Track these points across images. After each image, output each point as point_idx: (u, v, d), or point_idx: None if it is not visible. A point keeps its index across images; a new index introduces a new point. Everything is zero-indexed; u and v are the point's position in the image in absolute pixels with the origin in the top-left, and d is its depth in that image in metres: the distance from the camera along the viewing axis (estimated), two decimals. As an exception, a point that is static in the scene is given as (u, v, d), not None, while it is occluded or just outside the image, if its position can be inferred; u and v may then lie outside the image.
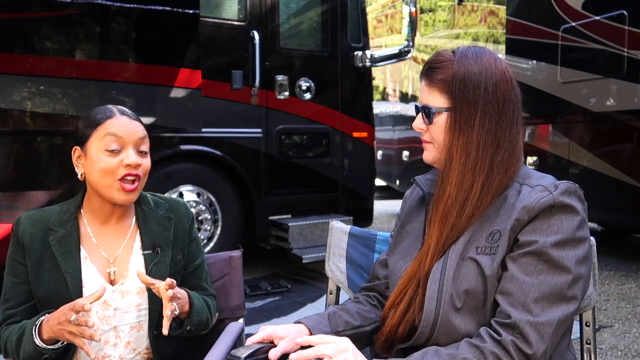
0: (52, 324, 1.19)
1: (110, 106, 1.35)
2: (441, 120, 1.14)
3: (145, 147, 1.35)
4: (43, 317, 1.23)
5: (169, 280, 1.22)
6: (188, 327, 1.34)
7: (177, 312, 1.25)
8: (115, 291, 1.34)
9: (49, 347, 1.21)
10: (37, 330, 1.22)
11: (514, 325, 0.99)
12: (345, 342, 1.05)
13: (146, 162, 1.34)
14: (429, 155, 1.19)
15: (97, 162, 1.29)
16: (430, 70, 1.15)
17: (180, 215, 1.45)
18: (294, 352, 1.07)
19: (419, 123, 1.18)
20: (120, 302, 1.34)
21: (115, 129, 1.29)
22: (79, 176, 1.33)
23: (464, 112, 1.10)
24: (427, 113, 1.15)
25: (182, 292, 1.31)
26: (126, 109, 1.36)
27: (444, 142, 1.14)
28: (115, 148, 1.29)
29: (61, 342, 1.22)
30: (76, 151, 1.33)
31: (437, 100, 1.14)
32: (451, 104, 1.12)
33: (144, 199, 1.43)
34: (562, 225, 1.03)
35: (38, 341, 1.21)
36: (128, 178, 1.30)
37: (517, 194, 1.09)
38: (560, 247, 1.02)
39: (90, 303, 1.16)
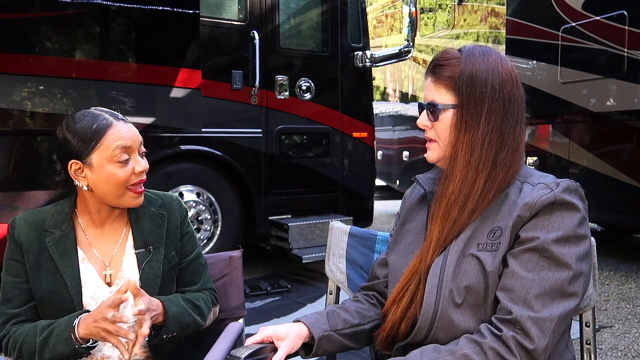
0: (89, 322, 1.20)
1: (95, 111, 1.32)
2: (447, 117, 1.14)
3: (143, 147, 1.36)
4: (80, 317, 1.23)
5: (131, 283, 1.21)
6: (165, 336, 1.31)
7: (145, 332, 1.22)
8: (112, 292, 1.33)
9: (84, 345, 1.22)
10: (76, 330, 1.22)
11: (515, 321, 0.99)
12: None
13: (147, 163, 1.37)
14: (434, 154, 1.18)
15: (109, 175, 1.28)
16: (437, 68, 1.15)
17: (173, 210, 1.45)
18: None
19: (423, 120, 1.18)
20: None
21: (122, 140, 1.29)
22: (84, 189, 1.32)
23: (471, 110, 1.11)
24: (433, 110, 1.15)
25: (155, 303, 1.29)
26: (114, 112, 1.35)
27: (449, 139, 1.14)
28: (125, 158, 1.30)
29: (94, 340, 1.23)
30: (73, 165, 1.30)
31: (443, 97, 1.14)
32: (458, 101, 1.12)
33: None
34: (563, 222, 1.03)
35: (77, 341, 1.21)
36: (138, 188, 1.33)
37: (519, 191, 1.09)
38: (561, 243, 1.02)
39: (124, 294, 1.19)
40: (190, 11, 3.75)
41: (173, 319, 1.32)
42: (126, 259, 1.37)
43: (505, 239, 1.05)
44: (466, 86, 1.11)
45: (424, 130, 1.20)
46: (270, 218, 4.40)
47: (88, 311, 1.26)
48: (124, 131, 1.30)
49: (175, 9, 3.69)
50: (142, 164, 1.33)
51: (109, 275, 1.36)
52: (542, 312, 0.99)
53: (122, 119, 1.34)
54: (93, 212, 1.36)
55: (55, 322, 1.26)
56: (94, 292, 1.33)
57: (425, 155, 1.21)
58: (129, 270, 1.37)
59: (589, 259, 1.07)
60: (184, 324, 1.35)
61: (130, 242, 1.39)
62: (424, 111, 1.18)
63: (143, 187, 1.36)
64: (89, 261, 1.35)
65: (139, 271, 1.36)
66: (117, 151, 1.28)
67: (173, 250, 1.42)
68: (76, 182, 1.32)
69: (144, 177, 1.34)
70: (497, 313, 1.03)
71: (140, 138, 1.35)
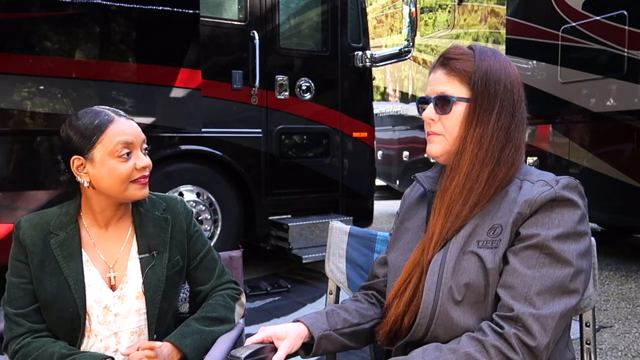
0: None
1: (98, 109, 1.33)
2: (458, 110, 1.14)
3: (146, 144, 1.36)
4: None
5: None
6: None
7: None
8: (115, 297, 1.33)
9: None
10: None
11: (517, 318, 0.99)
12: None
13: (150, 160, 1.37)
14: (437, 147, 1.17)
15: (110, 170, 1.28)
16: (449, 61, 1.15)
17: (177, 214, 1.44)
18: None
19: (430, 113, 1.16)
20: (120, 307, 1.33)
21: (124, 136, 1.29)
22: (84, 185, 1.31)
23: (484, 105, 1.12)
24: (445, 102, 1.14)
25: (166, 349, 1.30)
26: (116, 109, 1.35)
27: (458, 132, 1.14)
28: (127, 152, 1.30)
29: None
30: (76, 161, 1.30)
31: (457, 89, 1.14)
32: (472, 95, 1.13)
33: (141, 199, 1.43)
34: (563, 219, 1.03)
35: None
36: (141, 180, 1.33)
37: (518, 189, 1.09)
38: (561, 240, 1.02)
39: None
40: (190, 11, 3.75)
41: (192, 352, 1.32)
42: (130, 264, 1.37)
43: (506, 236, 1.05)
44: (481, 82, 1.12)
45: (424, 124, 1.18)
46: (270, 218, 4.40)
47: (113, 358, 1.26)
48: (125, 127, 1.31)
49: (175, 9, 3.69)
50: (144, 160, 1.33)
51: (113, 278, 1.35)
52: (543, 309, 0.99)
53: (124, 116, 1.34)
54: (97, 211, 1.36)
55: (77, 357, 1.25)
56: (97, 295, 1.32)
57: (427, 149, 1.19)
58: (134, 275, 1.36)
59: (589, 255, 1.07)
60: (207, 345, 1.34)
61: (134, 246, 1.38)
62: (430, 104, 1.17)
63: (147, 179, 1.35)
64: (93, 263, 1.34)
65: (142, 276, 1.35)
66: (119, 146, 1.29)
67: (178, 255, 1.41)
68: (78, 179, 1.31)
69: (147, 173, 1.34)
70: (498, 310, 1.03)
71: (142, 135, 1.35)
